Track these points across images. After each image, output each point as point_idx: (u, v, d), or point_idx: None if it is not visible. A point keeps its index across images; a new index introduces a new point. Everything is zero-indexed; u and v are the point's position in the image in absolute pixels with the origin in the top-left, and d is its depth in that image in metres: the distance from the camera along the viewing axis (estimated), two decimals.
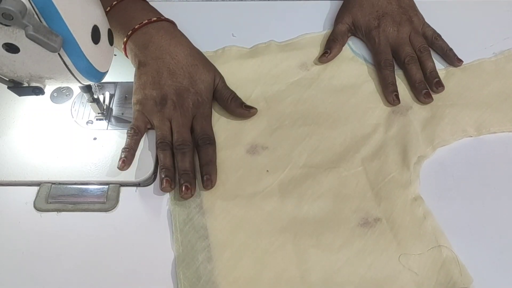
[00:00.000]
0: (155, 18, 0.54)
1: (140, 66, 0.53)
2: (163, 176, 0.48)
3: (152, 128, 0.52)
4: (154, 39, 0.53)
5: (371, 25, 0.59)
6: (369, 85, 0.57)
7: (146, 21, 0.54)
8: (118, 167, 0.49)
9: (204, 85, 0.53)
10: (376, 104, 0.55)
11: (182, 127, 0.51)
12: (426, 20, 0.61)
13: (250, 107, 0.54)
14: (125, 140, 0.50)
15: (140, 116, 0.51)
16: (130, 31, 0.53)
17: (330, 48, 0.59)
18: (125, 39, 0.54)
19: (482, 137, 0.52)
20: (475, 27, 0.63)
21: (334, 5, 0.66)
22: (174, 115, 0.51)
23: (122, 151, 0.49)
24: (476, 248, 0.44)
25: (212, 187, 0.48)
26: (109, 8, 0.55)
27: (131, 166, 0.50)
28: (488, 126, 0.53)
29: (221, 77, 0.55)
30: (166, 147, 0.50)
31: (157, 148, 0.50)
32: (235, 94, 0.54)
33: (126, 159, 0.49)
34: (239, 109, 0.53)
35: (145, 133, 0.52)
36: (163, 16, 0.56)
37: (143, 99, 0.52)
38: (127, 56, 0.56)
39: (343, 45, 0.61)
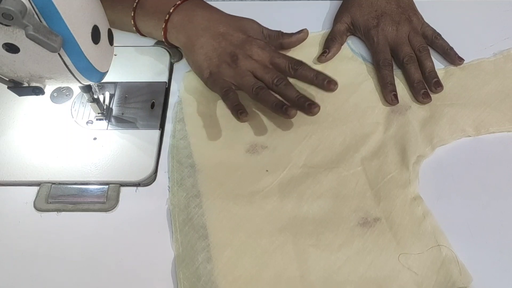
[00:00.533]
0: None
1: (193, 39, 0.54)
2: (283, 109, 0.49)
3: (236, 86, 0.53)
4: (195, 12, 0.55)
5: (369, 24, 0.60)
6: (368, 84, 0.57)
7: (179, 2, 0.56)
8: (240, 121, 0.50)
9: (255, 31, 0.56)
10: (375, 103, 0.55)
11: (266, 68, 0.53)
12: (426, 20, 0.61)
13: (300, 31, 0.57)
14: (122, 141, 0.50)
15: (222, 82, 0.52)
16: (172, 8, 0.55)
17: (329, 47, 0.59)
18: (166, 17, 0.55)
19: (481, 136, 0.52)
20: (475, 27, 0.63)
21: (333, 5, 0.66)
22: (251, 65, 0.53)
23: (234, 109, 0.50)
24: (475, 247, 0.45)
25: (319, 108, 0.49)
26: None
27: (129, 166, 0.50)
28: (487, 126, 0.53)
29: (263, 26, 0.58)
30: (265, 89, 0.51)
31: (256, 95, 0.51)
32: (281, 31, 0.57)
33: (244, 111, 0.49)
34: (294, 36, 0.57)
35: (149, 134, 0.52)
36: None
37: (214, 67, 0.53)
38: (166, 41, 0.57)
39: (341, 45, 0.61)
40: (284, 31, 0.62)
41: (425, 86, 0.55)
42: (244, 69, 0.53)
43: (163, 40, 0.58)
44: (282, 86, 0.51)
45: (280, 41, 0.57)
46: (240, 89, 0.53)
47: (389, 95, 0.55)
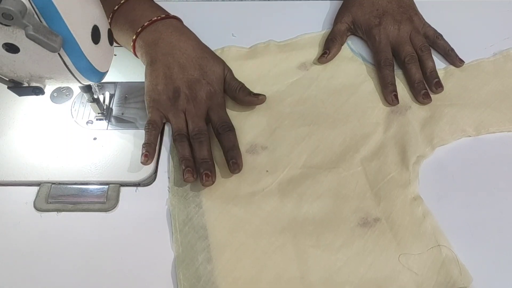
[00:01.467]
0: (163, 15, 0.55)
1: (151, 62, 0.53)
2: (184, 167, 0.48)
3: (168, 121, 0.53)
4: (163, 35, 0.54)
5: (371, 23, 0.60)
6: (368, 85, 0.57)
7: (155, 18, 0.54)
8: (141, 162, 0.48)
9: (215, 76, 0.54)
10: (375, 103, 0.55)
11: (197, 117, 0.51)
12: (426, 20, 0.61)
13: (259, 94, 0.54)
14: (122, 141, 0.51)
15: (154, 111, 0.52)
16: (140, 29, 0.54)
17: (329, 48, 0.59)
18: (134, 37, 0.54)
19: (481, 136, 0.52)
20: (475, 27, 0.63)
21: (333, 5, 0.66)
22: (188, 107, 0.52)
23: (143, 147, 0.49)
24: (475, 247, 0.44)
25: (239, 170, 0.49)
26: (117, 6, 0.55)
27: (129, 166, 0.50)
28: (487, 126, 0.53)
29: (229, 69, 0.56)
30: (183, 138, 0.50)
31: (174, 140, 0.51)
32: (243, 84, 0.55)
33: (149, 153, 0.48)
34: (248, 97, 0.54)
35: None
36: (170, 14, 0.56)
37: (156, 95, 0.52)
38: (135, 55, 0.56)
39: (342, 45, 0.61)
40: (284, 32, 0.62)
41: (426, 87, 0.55)
42: (180, 109, 0.51)
43: (134, 55, 0.56)
44: (197, 142, 0.50)
45: (235, 95, 0.54)
46: (168, 120, 0.52)
47: (389, 95, 0.55)
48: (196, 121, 0.51)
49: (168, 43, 0.53)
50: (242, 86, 0.55)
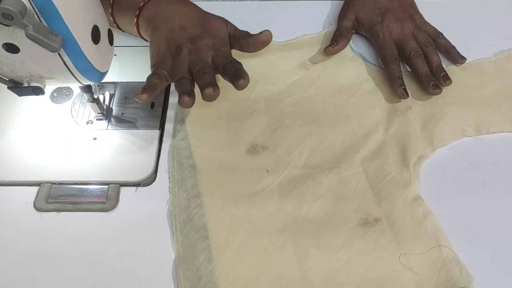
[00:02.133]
0: None
1: (153, 32, 0.53)
2: (181, 92, 0.46)
3: (172, 78, 0.50)
4: (163, 7, 0.54)
5: (374, 20, 0.60)
6: (368, 84, 0.57)
7: None
8: (136, 98, 0.46)
9: (218, 30, 0.54)
10: (375, 103, 0.55)
11: (200, 60, 0.50)
12: (426, 19, 0.61)
13: (262, 31, 0.54)
14: (122, 141, 0.50)
15: (158, 68, 0.50)
16: (142, 3, 0.54)
17: (337, 40, 0.59)
18: (137, 12, 0.54)
19: (481, 137, 0.52)
20: (475, 27, 0.63)
21: (334, 5, 0.66)
22: (192, 58, 0.51)
23: (144, 86, 0.47)
24: (476, 247, 0.44)
25: (245, 80, 0.47)
26: None
27: (129, 166, 0.50)
28: (487, 126, 0.53)
29: (232, 24, 0.56)
30: (185, 79, 0.49)
31: (175, 86, 0.49)
32: (247, 31, 0.55)
33: (146, 90, 0.46)
34: (252, 38, 0.54)
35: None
36: None
37: (159, 57, 0.51)
38: (140, 36, 0.56)
39: (349, 40, 0.61)
40: (284, 32, 0.62)
41: (434, 79, 0.55)
42: (182, 61, 0.51)
43: (139, 36, 0.56)
44: (199, 73, 0.48)
45: (241, 42, 0.54)
46: (173, 79, 0.51)
47: (398, 89, 0.54)
48: (200, 61, 0.50)
49: (167, 11, 0.54)
50: (246, 33, 0.55)
